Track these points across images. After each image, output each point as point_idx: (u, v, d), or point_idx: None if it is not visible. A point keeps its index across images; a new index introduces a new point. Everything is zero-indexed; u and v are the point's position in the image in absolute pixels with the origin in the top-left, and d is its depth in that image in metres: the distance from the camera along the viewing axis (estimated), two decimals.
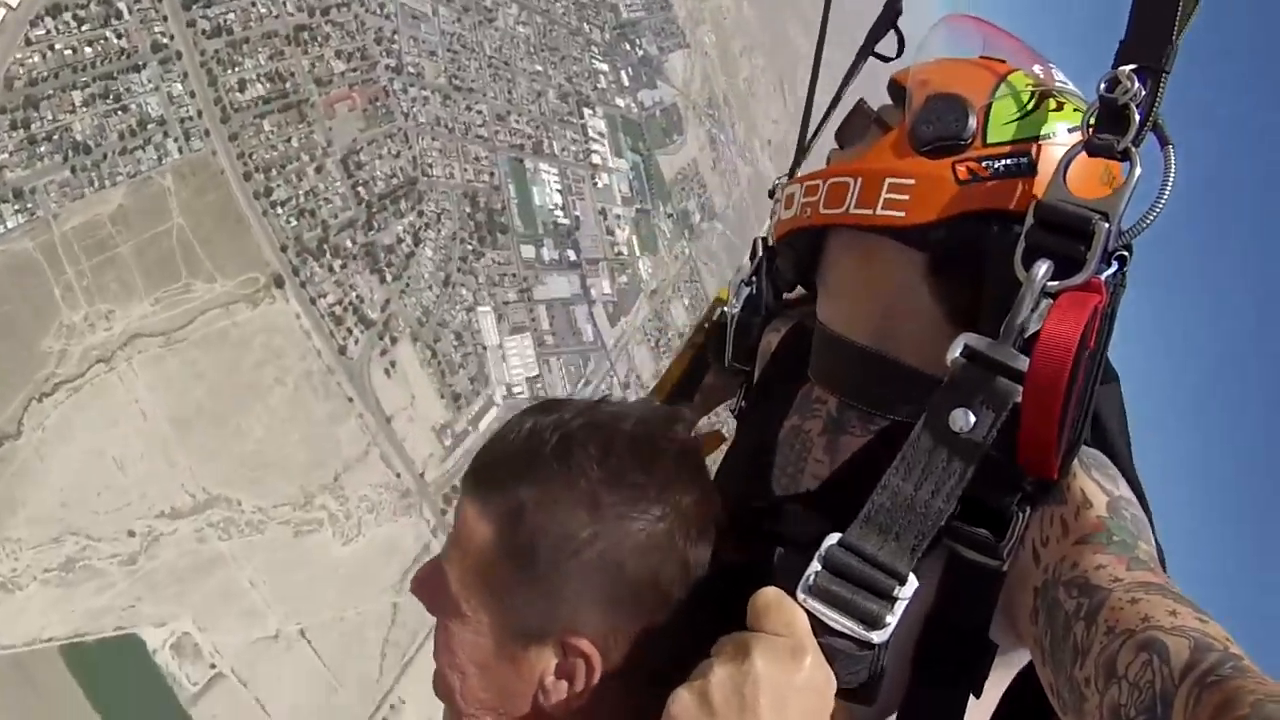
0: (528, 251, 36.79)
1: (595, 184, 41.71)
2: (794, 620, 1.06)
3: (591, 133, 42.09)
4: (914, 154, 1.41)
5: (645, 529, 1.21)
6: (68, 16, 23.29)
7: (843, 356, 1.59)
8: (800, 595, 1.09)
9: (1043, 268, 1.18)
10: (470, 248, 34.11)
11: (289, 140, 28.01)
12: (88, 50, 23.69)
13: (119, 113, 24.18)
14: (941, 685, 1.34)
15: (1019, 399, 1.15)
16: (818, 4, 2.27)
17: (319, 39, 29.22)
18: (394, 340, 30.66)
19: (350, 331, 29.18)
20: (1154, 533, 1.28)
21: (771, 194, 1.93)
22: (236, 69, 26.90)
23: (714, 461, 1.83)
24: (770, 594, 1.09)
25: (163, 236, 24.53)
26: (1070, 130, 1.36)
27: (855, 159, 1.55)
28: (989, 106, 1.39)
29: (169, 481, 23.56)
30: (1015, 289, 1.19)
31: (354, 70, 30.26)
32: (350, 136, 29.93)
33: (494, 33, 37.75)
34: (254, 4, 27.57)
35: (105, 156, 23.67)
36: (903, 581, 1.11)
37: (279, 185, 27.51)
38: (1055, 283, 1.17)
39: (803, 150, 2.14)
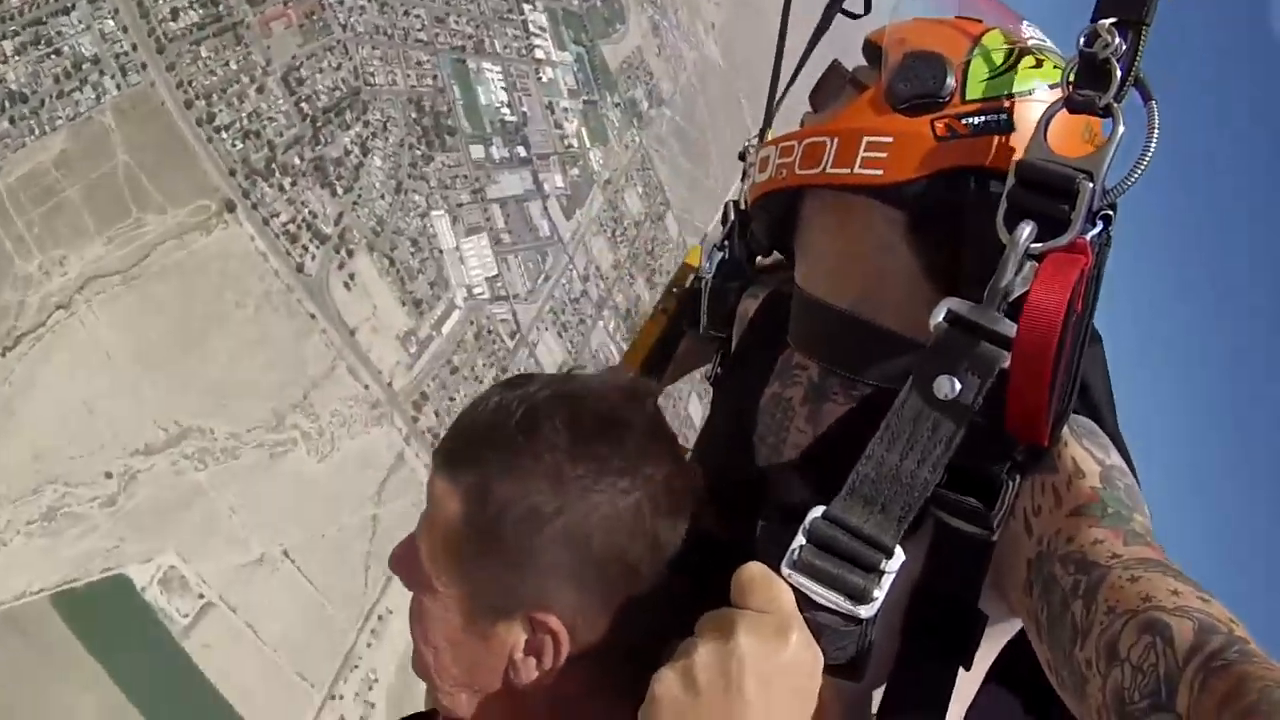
0: (477, 152, 36.08)
1: (540, 79, 40.64)
2: (779, 596, 1.04)
3: (533, 28, 40.73)
4: (891, 112, 1.40)
5: (611, 503, 1.19)
6: None
7: (822, 321, 1.57)
8: (785, 570, 1.08)
9: (1026, 229, 1.16)
10: (419, 153, 33.41)
11: (227, 64, 26.98)
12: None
13: (52, 57, 23.12)
14: (931, 658, 1.32)
15: (1005, 364, 1.14)
16: None
17: None
18: (350, 253, 30.22)
19: (306, 249, 28.71)
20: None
21: (742, 156, 1.97)
22: None
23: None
24: (754, 569, 1.07)
25: (109, 176, 23.81)
26: (1050, 87, 1.35)
27: (831, 119, 1.52)
28: (967, 64, 1.38)
29: (140, 418, 23.42)
30: (997, 250, 1.18)
31: None
32: (289, 54, 28.85)
33: None
34: None
35: (43, 103, 22.75)
36: (889, 554, 1.09)
37: (221, 110, 26.63)
38: (1039, 244, 1.16)
39: (772, 112, 2.11)
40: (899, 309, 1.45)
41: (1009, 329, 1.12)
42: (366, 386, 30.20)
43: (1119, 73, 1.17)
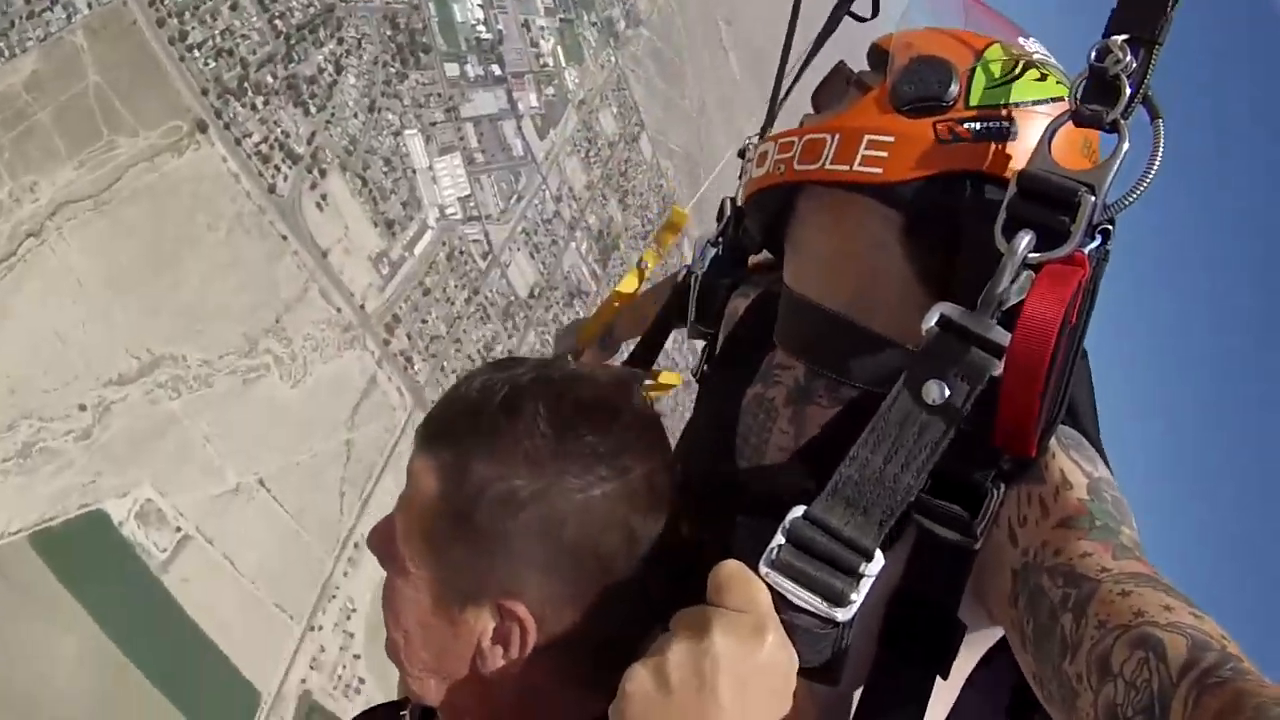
0: (452, 70, 35.24)
1: None
2: (756, 596, 1.03)
3: None
4: (894, 113, 1.39)
5: (589, 493, 1.17)
6: None
7: (810, 321, 1.55)
8: (763, 569, 1.07)
9: (1025, 239, 1.16)
10: (393, 71, 32.60)
11: None
12: None
13: None
14: (909, 665, 1.31)
15: (996, 372, 1.14)
16: None
17: None
18: (323, 173, 29.65)
19: (278, 169, 28.12)
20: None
21: (742, 154, 1.93)
22: None
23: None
24: (731, 567, 1.05)
25: (80, 97, 23.00)
26: (1053, 101, 1.35)
27: (833, 117, 1.51)
28: (973, 70, 1.38)
29: (113, 348, 23.11)
30: (992, 257, 1.18)
31: None
32: None
33: None
34: None
35: (12, 24, 21.77)
36: (869, 558, 1.08)
37: (194, 28, 25.68)
38: (1037, 255, 1.16)
39: (775, 109, 2.08)
40: (890, 312, 1.45)
41: (1002, 337, 1.13)
42: (339, 309, 29.90)
43: (1129, 89, 1.17)
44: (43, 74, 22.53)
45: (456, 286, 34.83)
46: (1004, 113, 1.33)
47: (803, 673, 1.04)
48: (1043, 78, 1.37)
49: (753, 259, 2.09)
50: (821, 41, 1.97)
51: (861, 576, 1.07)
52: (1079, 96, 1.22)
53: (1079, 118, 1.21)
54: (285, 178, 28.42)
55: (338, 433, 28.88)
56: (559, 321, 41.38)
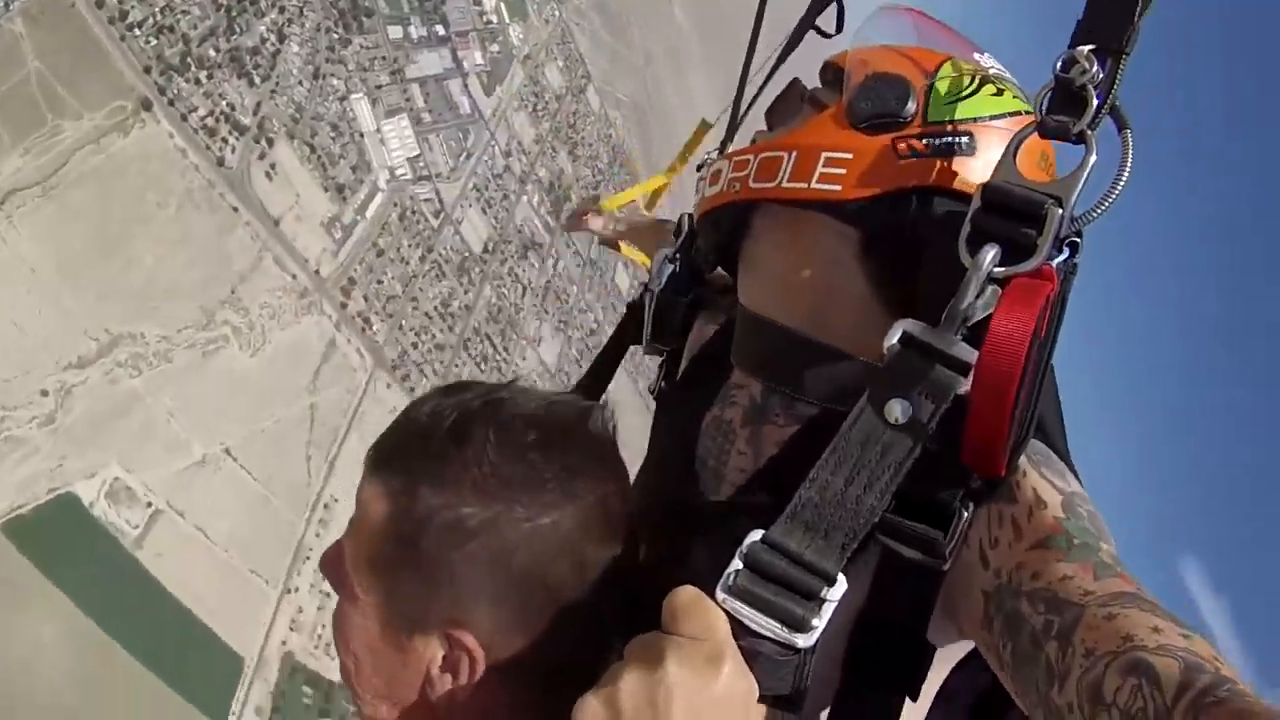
0: (395, 32, 35.30)
1: None
2: (713, 623, 0.99)
3: None
4: (852, 129, 1.36)
5: (537, 521, 1.14)
6: None
7: (766, 338, 1.51)
8: (720, 595, 1.02)
9: (990, 253, 1.11)
10: (336, 36, 32.53)
11: None
12: None
13: None
14: (875, 688, 1.28)
15: (961, 390, 1.09)
16: None
17: None
18: (270, 142, 29.81)
19: (225, 141, 28.26)
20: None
21: (700, 168, 1.85)
22: None
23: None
24: (687, 593, 1.02)
25: (21, 85, 22.95)
26: (1011, 115, 1.34)
27: (788, 135, 1.48)
28: (930, 86, 1.36)
29: (70, 331, 23.33)
30: (955, 272, 1.13)
31: None
32: None
33: None
34: None
35: None
36: (831, 582, 1.04)
37: (133, 6, 25.63)
38: (1003, 269, 1.12)
39: (735, 125, 2.04)
40: (848, 329, 1.41)
41: (968, 354, 1.09)
42: (294, 276, 30.28)
43: (1095, 100, 1.14)
44: None
45: (410, 246, 35.13)
46: (962, 128, 1.32)
47: (764, 701, 1.02)
48: (999, 93, 1.37)
49: (709, 276, 2.03)
50: (784, 57, 1.98)
51: (824, 601, 1.03)
52: (1044, 108, 1.18)
53: (1044, 129, 1.18)
54: (233, 150, 28.59)
55: (300, 398, 29.42)
56: (514, 275, 41.69)
